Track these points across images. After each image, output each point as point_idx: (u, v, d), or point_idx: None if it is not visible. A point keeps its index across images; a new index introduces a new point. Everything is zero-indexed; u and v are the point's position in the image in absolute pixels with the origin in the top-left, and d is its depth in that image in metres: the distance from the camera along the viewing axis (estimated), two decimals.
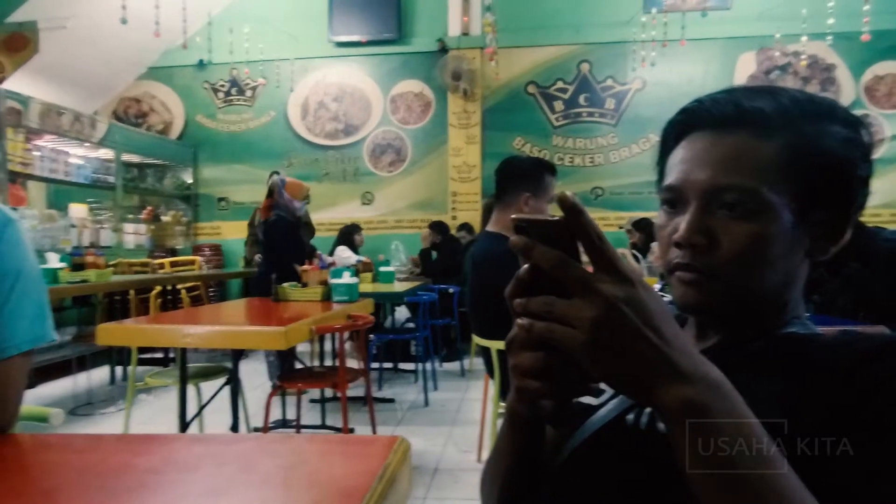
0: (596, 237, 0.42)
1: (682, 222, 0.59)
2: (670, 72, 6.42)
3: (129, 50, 6.62)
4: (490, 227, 2.36)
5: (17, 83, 5.55)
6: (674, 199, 0.62)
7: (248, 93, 7.17)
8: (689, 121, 0.63)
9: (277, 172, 4.59)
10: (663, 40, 6.20)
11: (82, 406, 4.06)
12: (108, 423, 3.70)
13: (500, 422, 2.25)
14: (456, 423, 3.65)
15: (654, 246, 4.67)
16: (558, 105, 6.75)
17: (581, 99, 6.72)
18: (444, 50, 6.65)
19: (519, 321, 0.45)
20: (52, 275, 3.86)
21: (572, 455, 0.63)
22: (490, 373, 2.53)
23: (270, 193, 4.18)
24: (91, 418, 3.83)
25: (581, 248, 0.43)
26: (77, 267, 4.30)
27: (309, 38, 6.93)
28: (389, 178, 6.99)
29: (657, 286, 2.76)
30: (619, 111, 6.67)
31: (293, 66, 6.98)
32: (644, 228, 5.01)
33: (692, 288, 0.60)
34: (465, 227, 6.12)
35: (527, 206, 2.18)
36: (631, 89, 6.65)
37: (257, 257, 4.85)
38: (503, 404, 2.30)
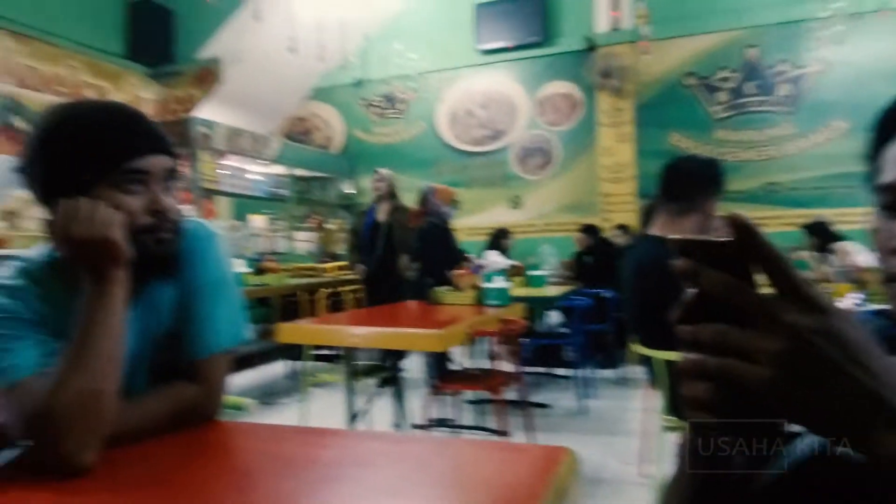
0: (776, 259, 0.38)
1: None
2: (856, 49, 5.65)
3: (295, 76, 7.28)
4: (656, 232, 2.22)
5: (206, 111, 6.35)
6: (894, 201, 0.54)
7: (400, 106, 7.52)
8: None
9: (378, 171, 4.85)
10: (854, 13, 5.46)
11: (264, 396, 4.52)
12: (287, 413, 4.08)
13: (665, 436, 2.10)
14: (615, 432, 3.51)
15: (838, 246, 4.13)
16: (721, 96, 6.24)
17: (749, 87, 6.14)
18: (591, 48, 6.47)
19: (691, 357, 0.41)
20: (240, 279, 4.35)
21: (771, 487, 0.57)
22: (653, 383, 2.39)
23: (423, 201, 4.36)
24: (272, 407, 4.25)
25: (754, 273, 0.39)
26: (259, 271, 4.81)
27: (457, 48, 7.10)
28: (537, 181, 6.93)
29: (857, 296, 2.43)
30: (796, 97, 6.00)
31: (442, 77, 7.20)
32: (817, 232, 4.39)
33: None
34: (621, 228, 5.86)
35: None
36: (810, 72, 5.95)
37: (361, 267, 4.78)
38: (668, 417, 2.15)
